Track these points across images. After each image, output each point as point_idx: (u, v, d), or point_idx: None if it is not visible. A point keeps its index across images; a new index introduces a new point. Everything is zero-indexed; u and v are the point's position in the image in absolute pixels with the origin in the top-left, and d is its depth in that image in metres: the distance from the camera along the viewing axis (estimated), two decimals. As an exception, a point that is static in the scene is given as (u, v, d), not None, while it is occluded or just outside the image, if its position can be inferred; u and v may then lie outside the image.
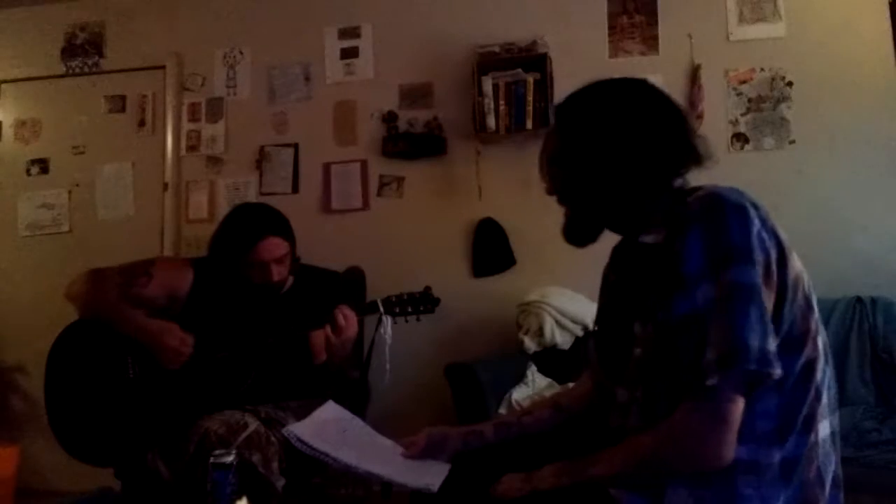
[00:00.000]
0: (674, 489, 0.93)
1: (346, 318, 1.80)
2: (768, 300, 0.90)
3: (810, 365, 0.95)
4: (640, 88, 1.11)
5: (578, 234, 1.14)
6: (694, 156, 1.07)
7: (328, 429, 1.30)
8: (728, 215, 0.91)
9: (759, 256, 0.90)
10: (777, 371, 0.87)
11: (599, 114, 1.09)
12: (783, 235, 0.95)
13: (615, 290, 1.20)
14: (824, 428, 0.96)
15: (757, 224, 0.91)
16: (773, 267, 0.92)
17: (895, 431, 2.06)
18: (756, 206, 0.93)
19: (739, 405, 0.89)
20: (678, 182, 1.07)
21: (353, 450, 1.24)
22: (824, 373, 0.97)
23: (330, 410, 1.40)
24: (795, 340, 0.94)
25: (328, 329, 1.80)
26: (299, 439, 1.20)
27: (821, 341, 0.97)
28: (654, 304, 0.98)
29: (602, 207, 1.10)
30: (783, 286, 0.92)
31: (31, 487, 3.03)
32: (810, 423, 0.94)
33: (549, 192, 1.16)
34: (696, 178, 1.10)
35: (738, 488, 0.91)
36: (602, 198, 1.09)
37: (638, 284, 1.06)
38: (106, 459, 1.87)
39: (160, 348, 1.80)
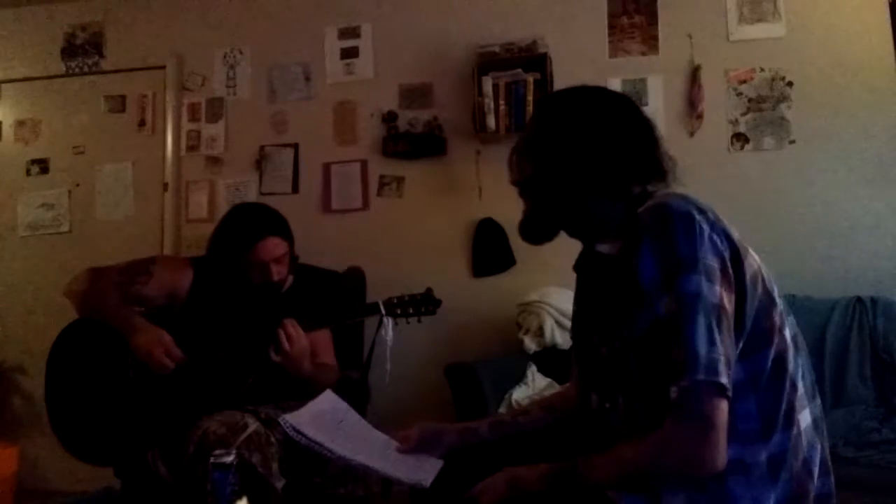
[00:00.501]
0: (670, 493, 0.94)
1: (290, 336, 1.79)
2: (729, 302, 0.91)
3: (781, 357, 0.96)
4: (620, 102, 1.14)
5: (534, 231, 1.16)
6: (658, 172, 1.08)
7: (324, 419, 1.30)
8: (675, 225, 0.92)
9: (709, 261, 0.91)
10: (723, 379, 0.87)
11: (575, 117, 1.11)
12: (736, 235, 0.96)
13: (581, 299, 1.22)
14: (805, 418, 0.97)
15: (705, 229, 0.92)
16: (729, 268, 0.93)
17: (895, 431, 2.06)
18: (702, 211, 0.94)
19: (723, 410, 0.89)
20: (637, 189, 1.07)
21: (349, 442, 1.24)
22: (796, 362, 0.98)
23: (327, 400, 1.40)
24: (762, 336, 0.95)
25: (271, 350, 1.79)
26: (295, 429, 1.21)
27: (788, 333, 0.99)
28: (615, 320, 1.00)
29: (559, 207, 1.12)
30: (741, 284, 0.94)
31: (31, 487, 3.03)
32: (791, 416, 0.95)
33: (512, 181, 1.17)
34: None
35: (729, 489, 0.92)
36: (561, 198, 1.10)
37: (597, 298, 1.08)
38: (106, 459, 1.87)
39: (146, 357, 1.79)
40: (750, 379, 0.93)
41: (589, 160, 1.06)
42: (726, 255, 0.93)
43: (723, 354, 0.88)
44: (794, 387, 0.96)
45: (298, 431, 1.20)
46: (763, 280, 0.97)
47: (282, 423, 1.23)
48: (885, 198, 2.74)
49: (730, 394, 0.89)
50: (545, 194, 1.13)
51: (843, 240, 2.72)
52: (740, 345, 0.93)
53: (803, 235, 2.74)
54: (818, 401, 1.02)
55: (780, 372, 0.96)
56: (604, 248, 1.08)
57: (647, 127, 1.11)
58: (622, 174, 1.06)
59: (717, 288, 0.90)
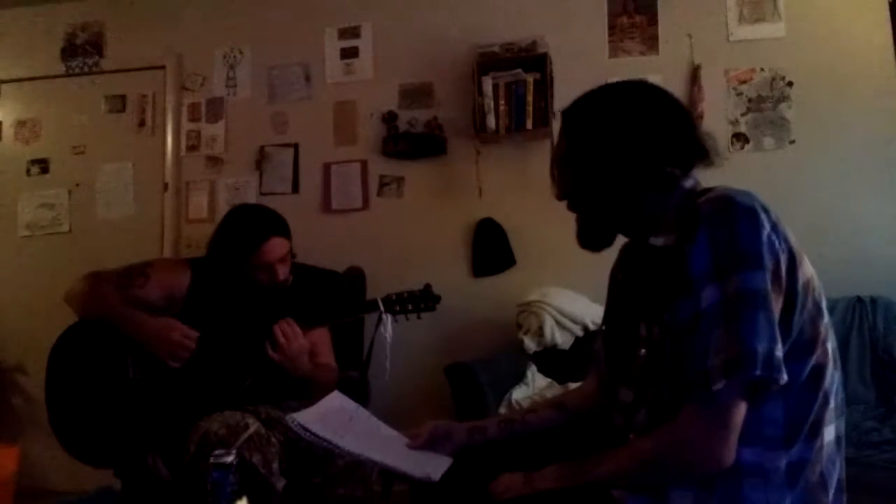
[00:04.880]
0: (678, 493, 0.93)
1: (286, 334, 1.80)
2: (776, 305, 0.89)
3: (819, 370, 0.94)
4: (642, 89, 1.11)
5: (592, 238, 1.13)
6: (699, 152, 1.06)
7: (332, 417, 1.30)
8: (738, 218, 0.90)
9: (768, 261, 0.89)
10: (783, 377, 0.87)
11: (604, 115, 1.09)
12: (794, 240, 0.94)
13: (623, 289, 1.20)
14: (829, 432, 0.96)
15: (767, 228, 0.91)
16: (783, 272, 0.91)
17: (895, 431, 2.05)
18: (766, 210, 0.93)
19: (742, 410, 0.89)
20: (689, 183, 1.06)
21: (357, 438, 1.24)
22: (833, 378, 0.97)
23: (335, 400, 1.40)
24: (805, 346, 0.94)
25: (268, 347, 1.79)
26: (302, 426, 1.20)
27: (830, 346, 0.97)
28: (660, 306, 0.98)
29: (610, 209, 1.09)
30: (793, 291, 0.92)
31: (31, 487, 3.03)
32: (817, 427, 0.94)
33: (559, 196, 1.15)
34: (701, 176, 1.10)
35: (744, 492, 0.91)
36: (610, 199, 1.08)
37: (645, 286, 1.05)
38: (106, 460, 1.86)
39: (163, 343, 1.79)
40: (783, 385, 0.90)
41: (624, 155, 1.04)
42: (782, 257, 0.91)
43: (782, 352, 0.87)
44: (826, 400, 0.95)
45: (306, 429, 1.20)
46: (814, 289, 0.96)
47: (289, 421, 1.23)
48: (885, 198, 2.74)
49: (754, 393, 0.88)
50: (592, 201, 1.11)
51: (843, 240, 2.72)
52: (785, 350, 0.91)
53: (803, 235, 2.67)
54: (843, 419, 1.00)
55: (816, 383, 0.94)
56: (658, 240, 1.04)
57: (677, 108, 1.08)
58: (665, 163, 1.04)
59: (769, 288, 0.89)
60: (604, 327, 1.25)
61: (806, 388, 0.94)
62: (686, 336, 0.92)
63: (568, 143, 1.13)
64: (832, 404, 0.96)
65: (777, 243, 0.91)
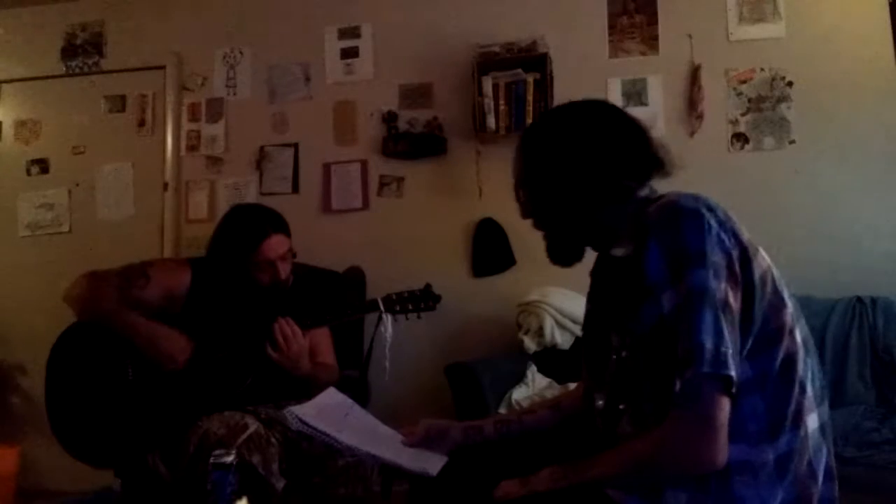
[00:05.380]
0: (672, 493, 0.94)
1: (285, 334, 1.80)
2: (734, 300, 0.91)
3: (790, 359, 0.96)
4: (595, 107, 1.15)
5: (561, 255, 1.18)
6: (654, 164, 1.09)
7: (329, 412, 1.31)
8: (682, 221, 0.93)
9: (717, 258, 0.91)
10: (731, 372, 0.88)
11: (557, 134, 1.13)
12: (745, 235, 0.97)
13: (594, 299, 1.23)
14: (812, 421, 0.97)
15: (714, 226, 0.93)
16: (737, 266, 0.93)
17: (895, 431, 2.05)
18: (712, 209, 0.95)
19: (725, 407, 0.89)
20: (644, 192, 1.09)
21: (354, 433, 1.25)
22: (806, 364, 0.98)
23: (332, 396, 1.40)
24: (770, 336, 0.95)
25: (268, 347, 1.79)
26: (300, 419, 1.20)
27: (799, 334, 0.98)
28: (625, 315, 1.01)
29: (572, 225, 1.13)
30: (750, 284, 0.94)
31: (31, 487, 3.03)
32: (798, 417, 0.95)
33: (523, 215, 1.19)
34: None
35: (734, 490, 0.92)
36: (570, 215, 1.12)
37: (611, 296, 1.09)
38: (106, 461, 1.86)
39: (156, 353, 1.79)
40: (757, 378, 0.93)
41: (579, 172, 1.08)
42: (734, 253, 0.93)
43: (731, 349, 0.88)
44: (802, 389, 0.96)
45: (304, 422, 1.20)
46: (773, 280, 0.97)
47: (287, 414, 1.23)
48: (885, 198, 2.74)
49: (734, 389, 0.89)
50: (553, 218, 1.15)
51: (843, 240, 2.72)
52: (748, 343, 0.93)
53: (803, 235, 2.74)
54: (826, 406, 1.01)
55: (789, 373, 0.95)
56: (618, 251, 1.08)
57: (630, 124, 1.11)
58: (616, 175, 1.07)
59: (723, 285, 0.91)
60: (582, 334, 1.27)
61: (780, 379, 0.95)
62: (654, 342, 0.94)
63: (525, 163, 1.16)
64: (809, 392, 0.97)
65: (727, 240, 0.93)
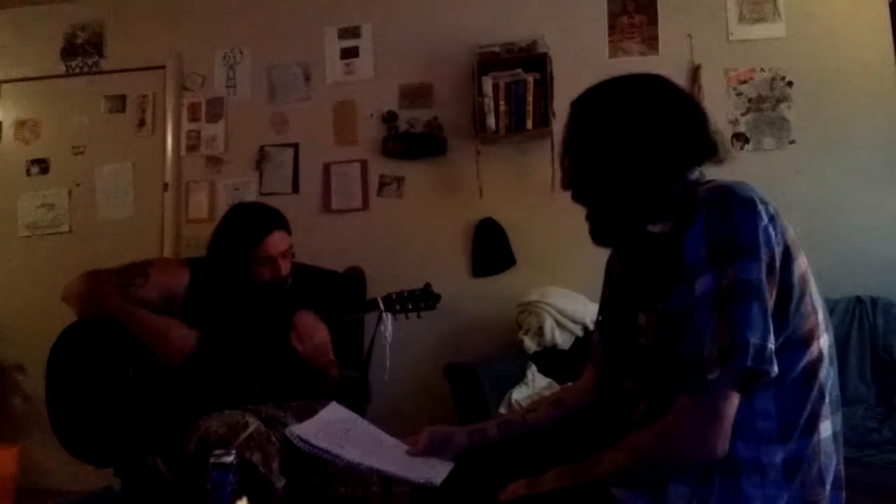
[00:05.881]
0: (675, 487, 0.93)
1: (308, 324, 1.80)
2: (771, 297, 0.89)
3: (813, 365, 0.94)
4: (653, 82, 1.10)
5: (603, 233, 1.12)
6: (707, 149, 1.05)
7: (331, 428, 1.30)
8: (736, 208, 0.90)
9: (763, 253, 0.89)
10: (774, 369, 0.87)
11: (611, 105, 1.08)
12: (791, 234, 0.94)
13: (620, 279, 1.18)
14: (826, 428, 0.96)
15: (765, 220, 0.90)
16: (777, 265, 0.91)
17: (895, 431, 2.06)
18: (765, 202, 0.92)
19: (734, 401, 0.89)
20: (693, 175, 1.05)
21: (357, 448, 1.23)
22: (828, 373, 0.97)
23: (334, 411, 1.39)
24: (798, 340, 0.94)
25: (292, 338, 1.80)
26: (301, 439, 1.20)
27: (826, 342, 0.97)
28: (655, 293, 0.98)
29: (614, 200, 1.08)
30: (788, 285, 0.92)
31: (31, 487, 3.03)
32: (813, 422, 0.94)
33: (564, 185, 1.14)
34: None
35: (742, 488, 0.91)
36: (613, 190, 1.07)
37: (643, 274, 1.05)
38: (107, 460, 1.86)
39: (163, 342, 1.79)
40: (775, 378, 0.90)
41: (634, 149, 1.03)
42: (778, 250, 0.91)
43: (774, 345, 0.87)
44: (821, 396, 0.95)
45: (306, 441, 1.20)
46: (809, 285, 0.96)
47: (288, 434, 1.22)
48: (885, 198, 2.74)
49: (749, 386, 0.88)
50: (593, 191, 1.10)
51: (843, 240, 2.72)
52: (779, 342, 0.91)
53: (803, 235, 2.69)
54: (840, 415, 1.00)
55: (810, 378, 0.94)
56: (656, 227, 1.02)
57: (689, 103, 1.08)
58: (670, 157, 1.03)
59: (764, 280, 0.89)
60: (600, 318, 1.24)
61: (799, 383, 0.94)
62: (679, 324, 0.92)
63: (573, 132, 1.12)
64: (827, 399, 0.96)
65: (774, 236, 0.91)
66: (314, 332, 1.81)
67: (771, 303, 0.90)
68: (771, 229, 0.91)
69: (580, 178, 1.11)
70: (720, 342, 0.87)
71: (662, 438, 0.93)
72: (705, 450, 0.89)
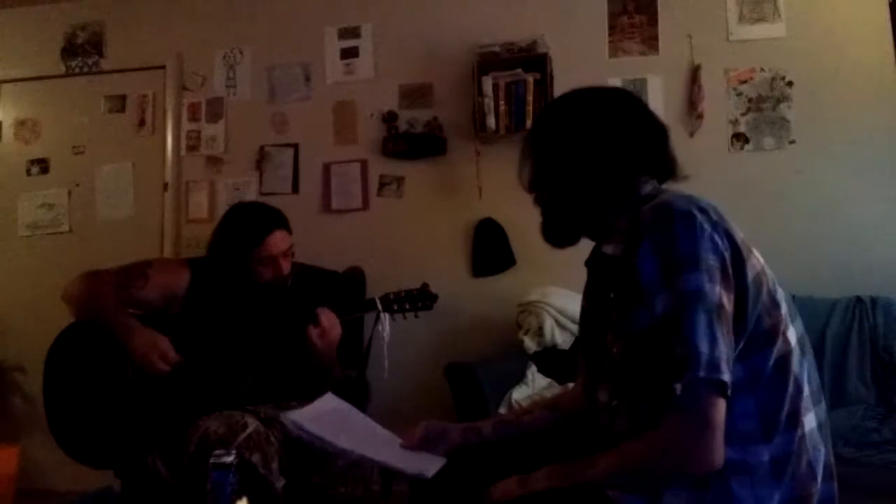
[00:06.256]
0: (672, 492, 0.94)
1: (330, 320, 1.81)
2: (728, 301, 0.91)
3: (784, 360, 0.96)
4: (623, 97, 1.14)
5: (553, 234, 1.17)
6: (671, 165, 1.09)
7: (327, 417, 1.31)
8: (675, 224, 0.92)
9: (710, 261, 0.91)
10: (725, 377, 0.87)
11: (571, 115, 1.11)
12: (739, 235, 0.96)
13: (590, 296, 1.22)
14: (810, 420, 0.97)
15: (707, 228, 0.92)
16: (730, 268, 0.92)
17: (895, 431, 2.06)
18: (704, 211, 0.94)
19: (721, 408, 0.89)
20: (647, 189, 1.07)
21: (351, 437, 1.25)
22: (801, 365, 0.98)
23: (329, 401, 1.40)
24: (764, 337, 0.95)
25: (312, 332, 1.80)
26: (296, 425, 1.21)
27: (793, 335, 0.98)
28: (618, 317, 1.00)
29: (573, 209, 1.12)
30: (743, 286, 0.93)
31: (31, 487, 3.03)
32: (795, 417, 0.95)
33: (527, 188, 1.18)
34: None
35: (733, 490, 0.92)
36: (574, 199, 1.11)
37: (604, 295, 1.08)
38: (106, 460, 1.86)
39: (141, 360, 1.79)
40: (749, 379, 0.92)
41: (594, 159, 1.06)
42: (727, 254, 0.93)
43: (724, 353, 0.88)
44: (798, 389, 0.96)
45: (300, 428, 1.21)
46: (766, 282, 0.97)
47: (283, 419, 1.23)
48: (885, 197, 2.74)
49: (729, 392, 0.89)
50: (555, 196, 1.13)
51: (843, 240, 2.72)
52: (741, 344, 0.93)
53: (803, 235, 2.74)
54: (823, 405, 1.01)
55: (783, 373, 0.95)
56: (608, 248, 1.08)
57: (652, 120, 1.10)
58: (633, 169, 1.06)
59: (718, 287, 0.90)
60: (579, 332, 1.28)
61: (774, 379, 0.95)
62: (646, 344, 0.93)
63: (538, 136, 1.15)
64: (806, 392, 0.97)
65: (720, 242, 0.93)
66: (333, 329, 1.82)
67: (731, 307, 0.91)
68: (715, 236, 0.92)
69: (544, 180, 1.14)
70: (676, 355, 0.89)
71: (656, 452, 0.93)
72: (701, 462, 0.89)
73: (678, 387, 0.88)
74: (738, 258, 0.94)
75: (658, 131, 1.10)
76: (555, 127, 1.13)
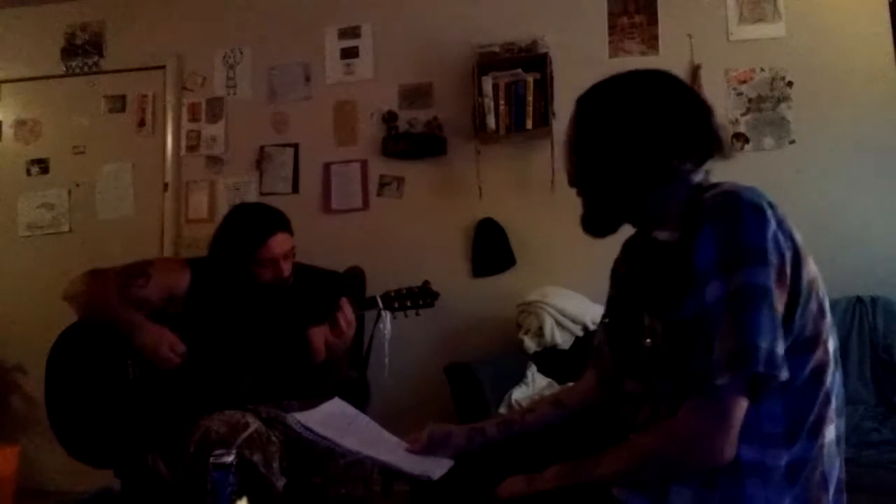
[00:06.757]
0: (678, 490, 0.93)
1: (347, 315, 1.81)
2: (780, 302, 0.89)
3: (820, 369, 0.94)
4: (659, 78, 1.10)
5: (595, 224, 1.13)
6: (709, 143, 1.04)
7: (333, 420, 1.32)
8: (744, 214, 0.90)
9: (773, 257, 0.89)
10: (784, 374, 0.87)
11: (614, 101, 1.09)
12: (799, 238, 0.94)
13: (626, 282, 1.19)
14: (831, 432, 0.96)
15: (773, 225, 0.90)
16: (788, 269, 0.91)
17: (895, 431, 2.06)
18: (773, 207, 0.92)
19: (742, 406, 0.89)
20: (698, 177, 1.04)
21: (357, 439, 1.25)
22: (834, 377, 0.96)
23: (336, 405, 1.41)
24: (805, 344, 0.93)
25: (328, 326, 1.80)
26: (303, 425, 1.21)
27: (832, 346, 0.97)
28: (664, 301, 0.98)
29: (617, 198, 1.09)
30: (797, 289, 0.91)
31: (31, 487, 3.03)
32: (818, 427, 0.94)
33: (571, 182, 1.15)
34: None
35: (745, 490, 0.91)
36: (617, 188, 1.07)
37: (649, 279, 1.05)
38: (106, 460, 1.86)
39: (152, 354, 1.79)
40: (783, 383, 0.90)
41: (634, 146, 1.03)
42: (787, 255, 0.91)
43: (783, 350, 0.87)
44: (828, 400, 0.95)
45: (307, 428, 1.21)
46: (818, 289, 0.96)
47: (290, 420, 1.24)
48: (885, 198, 2.74)
49: (758, 390, 0.88)
50: (599, 188, 1.10)
51: (843, 240, 2.71)
52: (786, 346, 0.90)
53: (803, 235, 2.71)
54: (843, 419, 1.00)
55: (817, 383, 0.94)
56: (662, 234, 1.04)
57: (693, 100, 1.07)
58: (672, 154, 1.02)
59: (773, 285, 0.89)
60: (606, 319, 1.25)
61: (807, 387, 0.93)
62: (691, 331, 0.92)
63: (578, 129, 1.12)
64: (834, 403, 0.96)
65: (783, 240, 0.91)
66: (350, 325, 1.83)
67: (781, 307, 0.89)
68: (780, 234, 0.91)
69: (586, 173, 1.11)
70: (730, 347, 0.87)
71: (667, 441, 0.92)
72: (711, 454, 0.89)
73: (725, 378, 0.86)
74: (797, 260, 0.92)
75: (699, 109, 1.06)
76: (593, 115, 1.10)
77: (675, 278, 0.95)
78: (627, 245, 1.22)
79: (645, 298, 1.05)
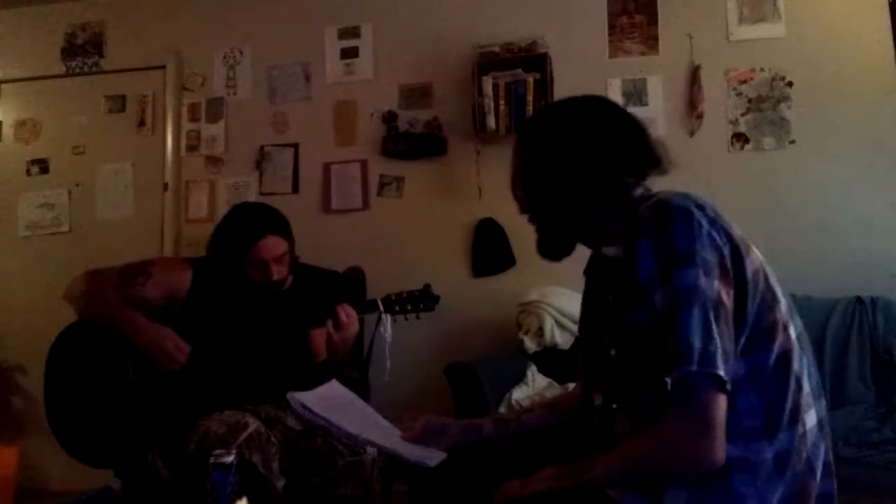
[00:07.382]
0: (672, 491, 0.93)
1: (348, 315, 1.81)
2: (727, 297, 0.91)
3: (786, 356, 0.96)
4: (593, 103, 1.15)
5: (550, 248, 1.18)
6: (650, 161, 1.09)
7: (331, 401, 1.33)
8: (672, 221, 0.93)
9: (708, 256, 0.91)
10: (719, 371, 0.87)
11: (554, 127, 1.13)
12: (737, 232, 0.97)
13: (589, 299, 1.23)
14: (810, 417, 0.97)
15: (704, 224, 0.93)
16: (729, 264, 0.93)
17: (895, 431, 2.06)
18: (701, 207, 0.95)
19: (721, 404, 0.89)
20: (639, 191, 1.08)
21: (354, 422, 1.26)
22: (802, 361, 0.98)
23: (334, 388, 1.42)
24: (764, 333, 0.95)
25: (330, 326, 1.80)
26: (302, 405, 1.21)
27: (793, 331, 0.98)
28: (619, 316, 1.01)
29: (565, 221, 1.13)
30: (742, 282, 0.94)
31: (31, 487, 3.03)
32: (796, 414, 0.95)
33: (521, 210, 1.19)
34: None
35: (734, 487, 0.92)
36: (564, 211, 1.12)
37: (603, 297, 1.09)
38: (106, 460, 1.86)
39: (156, 353, 1.79)
40: (751, 375, 0.93)
41: (575, 167, 1.08)
42: (725, 251, 0.93)
43: (720, 347, 0.88)
44: (799, 385, 0.96)
45: (305, 407, 1.22)
46: (765, 277, 0.97)
47: (289, 398, 1.24)
48: (885, 198, 2.73)
49: (728, 387, 0.89)
50: (548, 213, 1.15)
51: (844, 240, 2.71)
52: (742, 341, 0.93)
53: (803, 235, 2.74)
54: (823, 401, 1.01)
55: (784, 370, 0.95)
56: (610, 250, 1.09)
57: (626, 119, 1.12)
58: (612, 171, 1.07)
59: (715, 283, 0.90)
60: (578, 335, 1.28)
61: (776, 375, 0.95)
62: (646, 340, 0.94)
63: (523, 157, 1.17)
64: (807, 388, 0.97)
65: (718, 238, 0.93)
66: (351, 325, 1.82)
67: (730, 302, 0.92)
68: (713, 232, 0.93)
69: (535, 200, 1.16)
70: (669, 350, 0.89)
71: (657, 448, 0.93)
72: (703, 459, 0.89)
73: (668, 381, 0.88)
74: (737, 254, 0.94)
75: (634, 128, 1.11)
76: (535, 142, 1.15)
77: (622, 292, 0.99)
78: (590, 260, 1.25)
79: (602, 316, 1.09)
